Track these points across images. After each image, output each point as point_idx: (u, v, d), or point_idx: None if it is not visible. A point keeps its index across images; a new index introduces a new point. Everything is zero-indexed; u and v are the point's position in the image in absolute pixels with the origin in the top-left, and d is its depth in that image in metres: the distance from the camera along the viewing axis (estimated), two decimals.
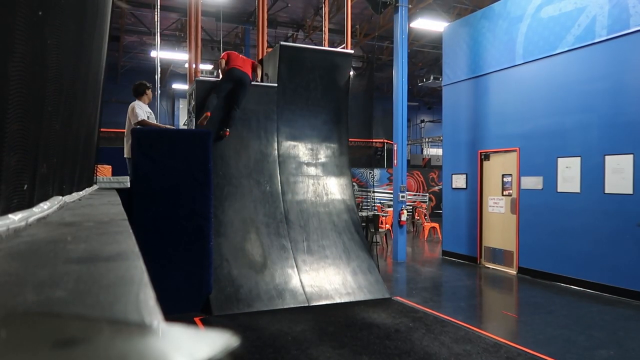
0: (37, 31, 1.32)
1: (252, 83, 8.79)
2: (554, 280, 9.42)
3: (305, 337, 6.15)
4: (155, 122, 8.08)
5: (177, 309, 6.88)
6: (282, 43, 9.04)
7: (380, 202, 20.98)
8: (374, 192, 22.32)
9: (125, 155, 7.93)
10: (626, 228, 8.22)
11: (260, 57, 9.74)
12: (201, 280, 7.07)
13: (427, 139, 32.67)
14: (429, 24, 16.13)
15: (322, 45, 10.45)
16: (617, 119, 8.45)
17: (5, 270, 0.89)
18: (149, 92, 8.07)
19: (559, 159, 9.44)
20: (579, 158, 9.05)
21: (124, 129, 8.00)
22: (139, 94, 7.98)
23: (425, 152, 32.96)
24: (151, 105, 8.56)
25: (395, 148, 12.03)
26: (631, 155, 8.16)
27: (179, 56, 20.24)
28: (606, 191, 8.55)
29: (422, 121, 34.40)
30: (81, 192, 3.35)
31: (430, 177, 24.68)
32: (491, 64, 11.23)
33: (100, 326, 0.55)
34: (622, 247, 8.28)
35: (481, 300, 9.05)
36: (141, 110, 7.75)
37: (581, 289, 8.88)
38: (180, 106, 28.22)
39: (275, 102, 8.88)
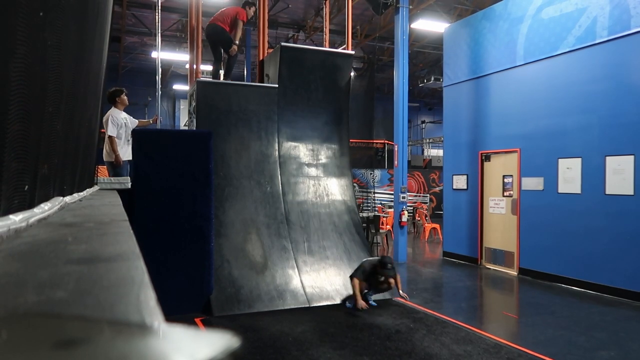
0: (38, 32, 1.32)
1: (255, 84, 8.81)
2: (555, 281, 9.41)
3: (306, 337, 6.14)
4: (125, 132, 8.04)
5: (178, 310, 6.88)
6: (282, 44, 9.05)
7: (380, 203, 21.00)
8: (374, 192, 22.31)
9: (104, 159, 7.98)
10: (627, 229, 8.22)
11: (261, 58, 9.74)
12: (202, 281, 7.07)
13: (427, 140, 32.66)
14: (430, 25, 16.14)
15: (322, 46, 10.46)
16: (618, 119, 8.44)
17: (6, 271, 0.89)
18: (122, 97, 8.09)
19: (560, 160, 9.44)
20: (580, 159, 9.05)
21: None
22: (111, 100, 8.00)
23: (426, 153, 32.95)
24: (152, 106, 8.58)
25: (395, 149, 12.03)
26: (632, 156, 8.16)
27: (179, 57, 20.28)
28: (607, 192, 8.54)
29: (423, 122, 34.40)
30: (82, 193, 3.35)
31: (431, 178, 24.67)
32: (492, 64, 11.22)
33: (100, 327, 0.55)
34: (623, 248, 8.27)
35: (482, 301, 9.05)
36: (113, 125, 7.79)
37: (582, 290, 8.87)
38: (181, 107, 28.22)
39: (276, 102, 8.88)
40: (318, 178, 9.07)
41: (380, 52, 24.56)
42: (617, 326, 6.87)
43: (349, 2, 10.37)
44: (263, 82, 9.46)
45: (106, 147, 7.92)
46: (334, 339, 6.08)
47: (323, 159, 9.21)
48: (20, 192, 1.41)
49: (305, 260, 8.16)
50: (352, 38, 10.79)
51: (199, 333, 0.50)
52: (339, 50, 10.32)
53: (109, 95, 7.98)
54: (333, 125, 9.37)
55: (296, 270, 7.99)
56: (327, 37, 10.46)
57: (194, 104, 8.62)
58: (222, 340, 0.48)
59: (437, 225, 16.43)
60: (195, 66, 9.24)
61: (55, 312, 0.64)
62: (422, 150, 33.81)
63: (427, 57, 25.80)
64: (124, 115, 8.07)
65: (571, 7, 9.25)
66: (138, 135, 6.93)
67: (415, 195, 23.20)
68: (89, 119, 3.45)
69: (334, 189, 9.13)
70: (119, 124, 7.90)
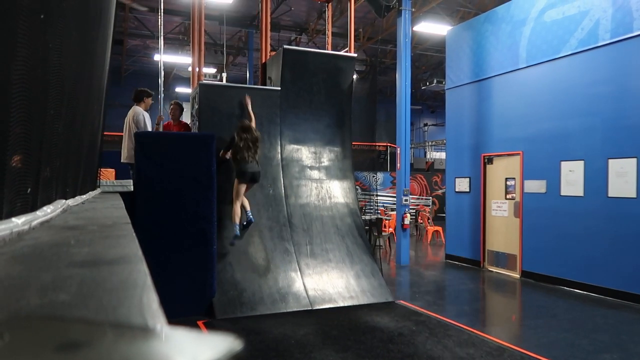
0: (39, 34, 1.32)
1: (258, 87, 8.84)
2: (558, 284, 9.39)
3: (309, 340, 6.14)
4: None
5: (181, 313, 6.88)
6: (285, 47, 9.05)
7: (383, 206, 20.98)
8: (377, 195, 22.31)
9: (122, 160, 8.05)
10: (630, 232, 8.20)
11: (263, 61, 9.76)
12: (204, 284, 7.08)
13: (430, 143, 32.68)
14: (432, 28, 16.16)
15: (325, 49, 10.47)
16: (621, 122, 8.43)
17: (9, 274, 0.89)
18: (148, 100, 8.15)
19: (563, 163, 9.43)
20: (582, 162, 9.03)
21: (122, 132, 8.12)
22: (138, 100, 8.07)
23: (428, 156, 32.98)
24: (154, 109, 8.62)
25: (398, 151, 12.03)
26: (634, 159, 8.14)
27: (182, 60, 20.32)
28: (609, 195, 8.53)
29: (426, 125, 34.43)
30: (84, 196, 3.35)
31: (434, 180, 24.68)
32: (494, 67, 11.22)
33: (103, 329, 0.55)
34: (626, 251, 8.25)
35: (484, 304, 9.03)
36: (150, 122, 7.91)
37: (585, 292, 8.85)
38: (184, 110, 28.23)
39: (278, 105, 8.89)
40: (320, 181, 9.06)
41: (383, 55, 24.58)
42: (620, 329, 6.85)
43: (351, 5, 10.38)
44: (265, 85, 9.47)
45: (128, 150, 7.95)
46: (336, 342, 6.07)
47: (325, 161, 9.21)
48: (22, 195, 1.41)
49: (308, 263, 8.15)
50: (355, 41, 10.81)
51: (201, 336, 0.50)
52: (342, 53, 10.34)
53: (138, 93, 8.13)
54: (335, 127, 9.37)
55: (299, 273, 7.99)
56: (329, 39, 10.47)
57: (196, 106, 8.63)
58: (224, 343, 0.48)
59: (439, 228, 16.43)
60: (197, 69, 9.25)
61: (58, 315, 0.64)
62: (425, 153, 33.82)
63: (430, 60, 25.82)
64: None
65: (574, 9, 9.25)
66: (141, 138, 6.94)
67: (418, 198, 23.19)
68: (92, 121, 3.46)
69: (337, 192, 9.13)
70: (149, 120, 8.04)
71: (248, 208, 8.02)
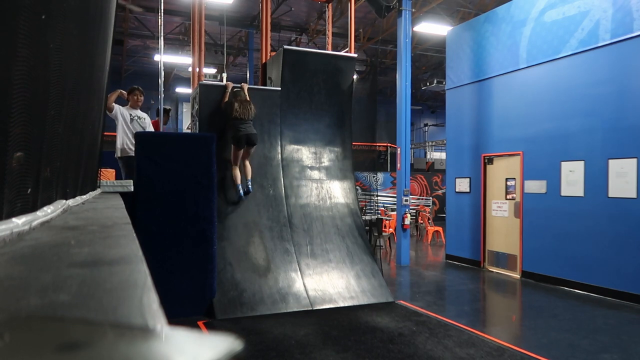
0: (40, 35, 1.32)
1: (258, 87, 8.85)
2: (558, 284, 9.39)
3: (309, 341, 6.14)
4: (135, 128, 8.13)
5: (181, 313, 6.88)
6: (285, 47, 9.05)
7: (383, 206, 20.99)
8: (377, 195, 22.30)
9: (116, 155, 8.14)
10: (630, 232, 8.20)
11: (264, 61, 9.76)
12: (205, 284, 7.07)
13: (430, 143, 32.67)
14: (433, 28, 16.16)
15: (325, 49, 10.46)
16: (621, 122, 8.43)
17: (9, 274, 0.89)
18: (133, 96, 8.13)
19: (563, 163, 9.43)
20: (583, 162, 9.03)
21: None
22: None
23: (428, 156, 32.96)
24: (154, 109, 8.61)
25: (398, 152, 12.03)
26: (635, 159, 8.14)
27: (182, 60, 20.33)
28: (610, 195, 8.53)
29: (426, 125, 34.42)
30: (85, 196, 3.35)
31: (434, 180, 24.67)
32: (495, 67, 11.22)
33: (103, 330, 0.55)
34: (626, 251, 8.25)
35: (485, 304, 9.03)
36: (123, 115, 7.94)
37: (585, 292, 8.85)
38: (184, 110, 28.28)
39: (278, 105, 8.89)
40: (321, 181, 9.06)
41: (383, 55, 24.56)
42: (620, 329, 6.85)
43: (351, 5, 10.38)
44: (266, 85, 9.47)
45: (118, 142, 8.02)
46: (336, 342, 6.07)
47: (326, 162, 9.21)
48: (23, 195, 1.41)
49: (308, 263, 8.15)
50: (355, 41, 10.80)
51: (201, 336, 0.50)
52: (342, 53, 10.32)
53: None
54: (336, 128, 9.37)
55: (299, 273, 7.98)
56: (329, 40, 10.47)
57: (196, 107, 8.63)
58: (224, 343, 0.48)
59: (439, 228, 16.42)
60: (198, 69, 9.25)
61: (58, 315, 0.64)
62: (425, 153, 33.81)
63: (430, 60, 25.81)
64: (131, 112, 8.13)
65: (574, 10, 9.25)
66: (141, 138, 6.94)
67: (418, 198, 23.19)
68: (92, 122, 3.45)
69: (337, 192, 9.13)
70: (128, 113, 8.01)
71: (249, 177, 8.27)
